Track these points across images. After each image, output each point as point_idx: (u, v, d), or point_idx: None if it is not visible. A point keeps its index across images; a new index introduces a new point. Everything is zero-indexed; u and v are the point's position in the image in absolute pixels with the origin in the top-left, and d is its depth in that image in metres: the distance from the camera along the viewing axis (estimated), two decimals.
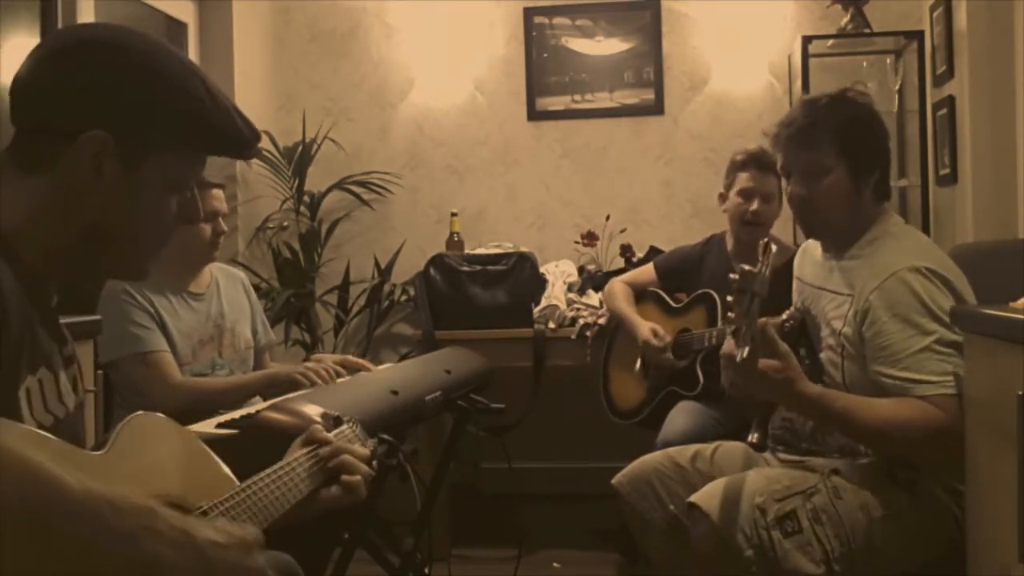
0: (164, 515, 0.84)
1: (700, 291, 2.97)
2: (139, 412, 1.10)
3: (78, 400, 1.15)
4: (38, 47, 1.09)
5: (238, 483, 1.15)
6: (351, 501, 1.33)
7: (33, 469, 0.75)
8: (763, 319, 1.77)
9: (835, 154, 1.95)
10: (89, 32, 1.14)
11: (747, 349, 1.69)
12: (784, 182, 2.07)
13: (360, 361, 2.62)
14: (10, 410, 0.96)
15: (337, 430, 1.43)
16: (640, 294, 3.22)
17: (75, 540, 0.76)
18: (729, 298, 1.73)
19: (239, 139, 1.14)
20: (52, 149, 1.05)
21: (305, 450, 1.30)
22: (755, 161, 2.89)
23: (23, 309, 1.00)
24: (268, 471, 1.20)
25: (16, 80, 1.08)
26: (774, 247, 1.77)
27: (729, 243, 3.04)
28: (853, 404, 1.83)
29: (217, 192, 2.57)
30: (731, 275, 1.72)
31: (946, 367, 1.80)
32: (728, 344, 1.76)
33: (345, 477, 1.31)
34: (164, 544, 0.83)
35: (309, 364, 2.44)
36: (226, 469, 1.19)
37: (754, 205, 2.87)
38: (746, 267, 1.71)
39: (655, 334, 2.96)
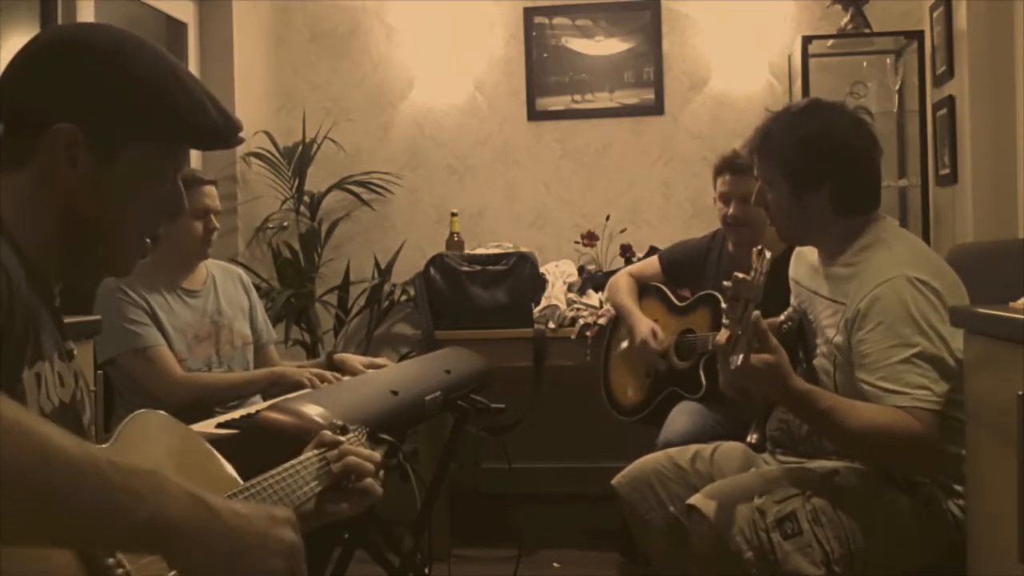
0: (172, 479, 0.82)
1: (704, 292, 2.97)
2: (141, 410, 1.10)
3: (80, 389, 1.14)
4: (17, 53, 1.13)
5: (241, 483, 1.15)
6: (364, 506, 1.34)
7: (27, 428, 0.73)
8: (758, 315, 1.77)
9: (777, 169, 1.99)
10: (62, 31, 1.17)
11: (741, 357, 1.69)
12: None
13: (380, 360, 2.65)
14: (13, 395, 0.95)
15: (344, 439, 1.42)
16: (643, 289, 3.21)
17: (75, 499, 0.75)
18: (723, 305, 1.73)
19: (212, 130, 1.15)
20: (27, 144, 1.07)
21: (314, 452, 1.31)
22: (729, 165, 2.91)
23: (29, 297, 1.01)
24: (274, 471, 1.19)
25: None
26: (768, 253, 1.76)
27: (729, 243, 3.04)
28: (837, 405, 1.82)
29: (209, 189, 2.57)
30: (724, 283, 1.73)
31: (923, 381, 1.79)
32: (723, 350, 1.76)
33: (356, 483, 1.32)
34: (174, 503, 0.81)
35: (316, 371, 2.44)
36: (229, 469, 1.18)
37: (731, 209, 2.89)
38: (739, 275, 1.71)
39: (654, 335, 2.96)
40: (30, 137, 1.07)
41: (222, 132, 1.16)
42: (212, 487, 1.09)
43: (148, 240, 1.16)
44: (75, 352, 1.16)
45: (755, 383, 1.80)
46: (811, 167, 1.96)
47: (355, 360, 2.60)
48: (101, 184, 1.09)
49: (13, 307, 0.95)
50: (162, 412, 1.14)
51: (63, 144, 1.06)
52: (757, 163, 2.05)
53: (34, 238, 1.07)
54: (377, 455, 1.38)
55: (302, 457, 1.28)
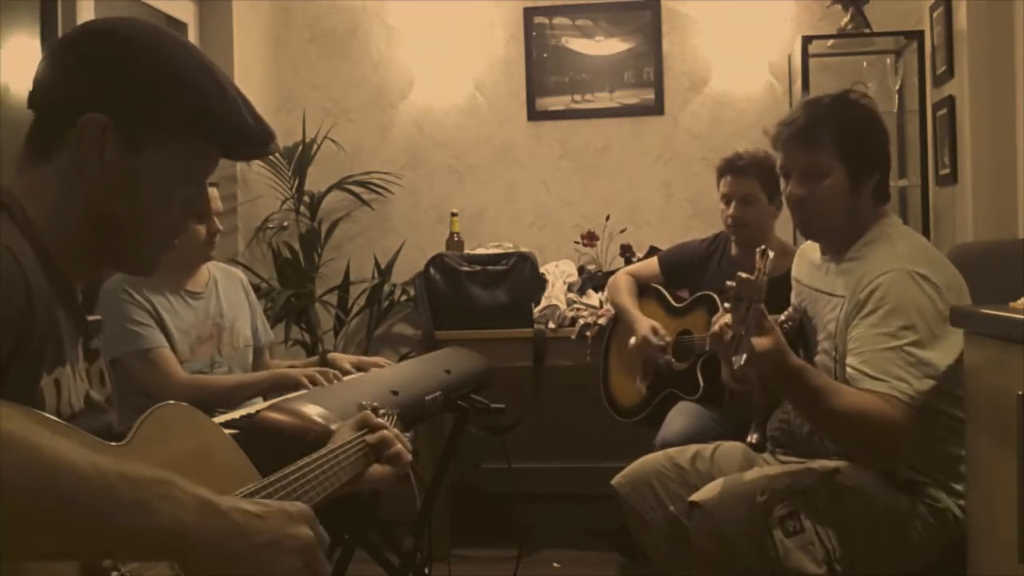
0: (181, 484, 0.82)
1: (702, 293, 2.98)
2: (162, 403, 1.09)
3: (106, 393, 1.16)
4: (49, 45, 1.15)
5: (260, 477, 1.14)
6: (395, 477, 1.38)
7: (34, 447, 0.73)
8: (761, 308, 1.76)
9: (834, 155, 1.95)
10: (99, 23, 1.17)
11: (744, 357, 1.69)
12: (783, 182, 2.07)
13: (374, 360, 2.63)
14: (31, 403, 0.95)
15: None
16: (642, 289, 3.22)
17: (85, 515, 0.75)
18: (726, 304, 1.73)
19: (246, 134, 1.14)
20: (58, 133, 1.08)
21: (358, 435, 1.34)
22: (729, 166, 2.96)
23: (49, 304, 1.01)
24: (319, 455, 1.21)
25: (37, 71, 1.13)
26: (771, 253, 1.76)
27: (732, 246, 3.05)
28: (826, 385, 1.80)
29: (212, 191, 2.57)
30: (728, 282, 1.72)
31: (902, 373, 1.78)
32: (724, 349, 1.76)
33: (391, 451, 1.36)
34: (183, 511, 0.81)
35: (317, 369, 2.44)
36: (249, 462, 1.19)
37: (731, 209, 2.93)
38: (743, 275, 1.71)
39: (655, 332, 2.97)
40: (58, 127, 1.07)
41: (255, 136, 1.15)
42: (234, 480, 1.09)
43: (176, 241, 1.16)
44: (99, 351, 1.16)
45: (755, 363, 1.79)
46: (867, 150, 1.98)
47: (344, 360, 2.59)
48: (126, 178, 1.08)
49: (33, 318, 0.96)
50: (184, 404, 1.13)
51: (94, 133, 1.06)
52: (800, 156, 1.99)
53: (62, 237, 1.07)
54: (408, 444, 1.42)
55: (344, 442, 1.30)
